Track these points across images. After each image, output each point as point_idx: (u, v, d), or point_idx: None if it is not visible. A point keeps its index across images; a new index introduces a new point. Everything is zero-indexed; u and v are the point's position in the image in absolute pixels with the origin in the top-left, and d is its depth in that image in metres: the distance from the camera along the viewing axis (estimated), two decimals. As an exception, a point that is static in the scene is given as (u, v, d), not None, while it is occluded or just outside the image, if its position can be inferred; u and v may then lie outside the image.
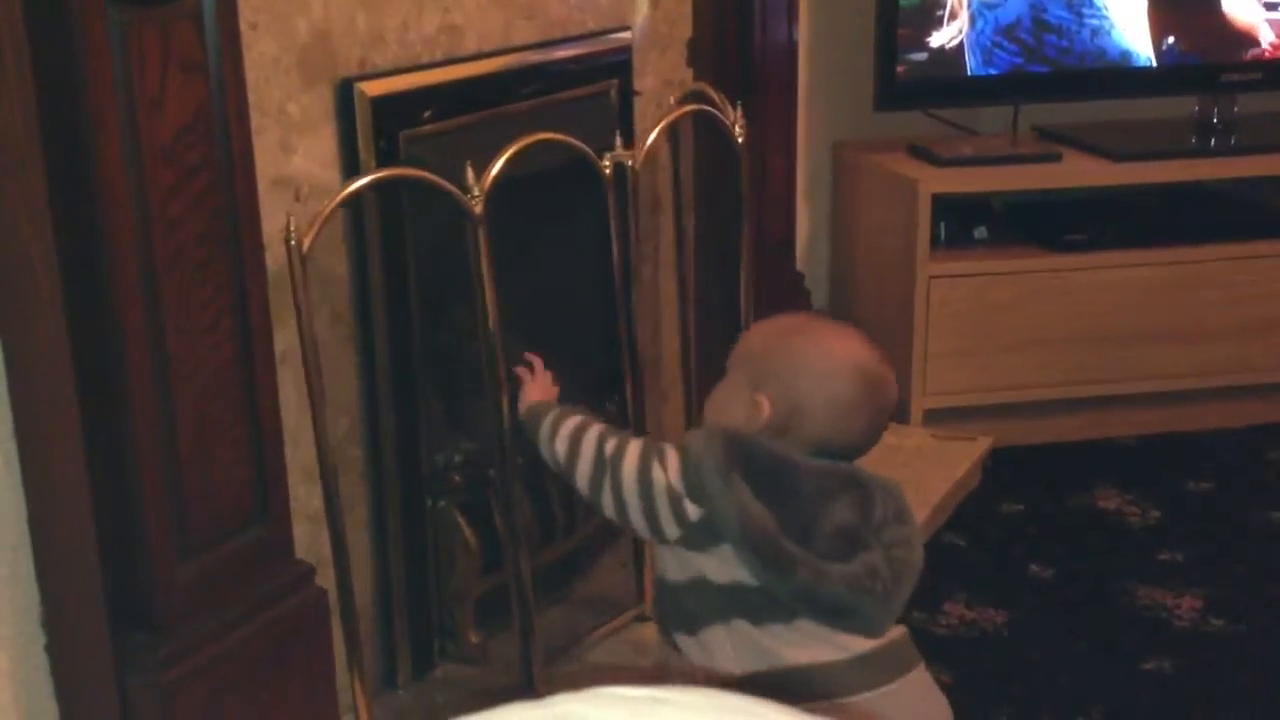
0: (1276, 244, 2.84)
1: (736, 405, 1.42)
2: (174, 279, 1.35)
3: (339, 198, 1.54)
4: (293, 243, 1.46)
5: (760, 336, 1.51)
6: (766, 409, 1.40)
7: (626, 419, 1.95)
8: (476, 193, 1.62)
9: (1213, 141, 2.96)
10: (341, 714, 1.60)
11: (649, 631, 1.95)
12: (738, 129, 2.05)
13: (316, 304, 1.59)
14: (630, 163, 1.87)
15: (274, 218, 1.55)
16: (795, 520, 1.34)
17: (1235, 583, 2.34)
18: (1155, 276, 2.80)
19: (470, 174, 1.62)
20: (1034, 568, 2.38)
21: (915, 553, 1.42)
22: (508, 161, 1.66)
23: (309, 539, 1.64)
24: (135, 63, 1.28)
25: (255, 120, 1.47)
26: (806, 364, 1.42)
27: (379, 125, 1.67)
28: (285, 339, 1.59)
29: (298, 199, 1.60)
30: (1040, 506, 2.60)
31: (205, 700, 1.41)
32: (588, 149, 1.82)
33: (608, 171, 1.85)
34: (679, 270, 2.33)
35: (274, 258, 1.54)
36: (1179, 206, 2.94)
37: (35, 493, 1.39)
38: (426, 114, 1.74)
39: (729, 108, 2.06)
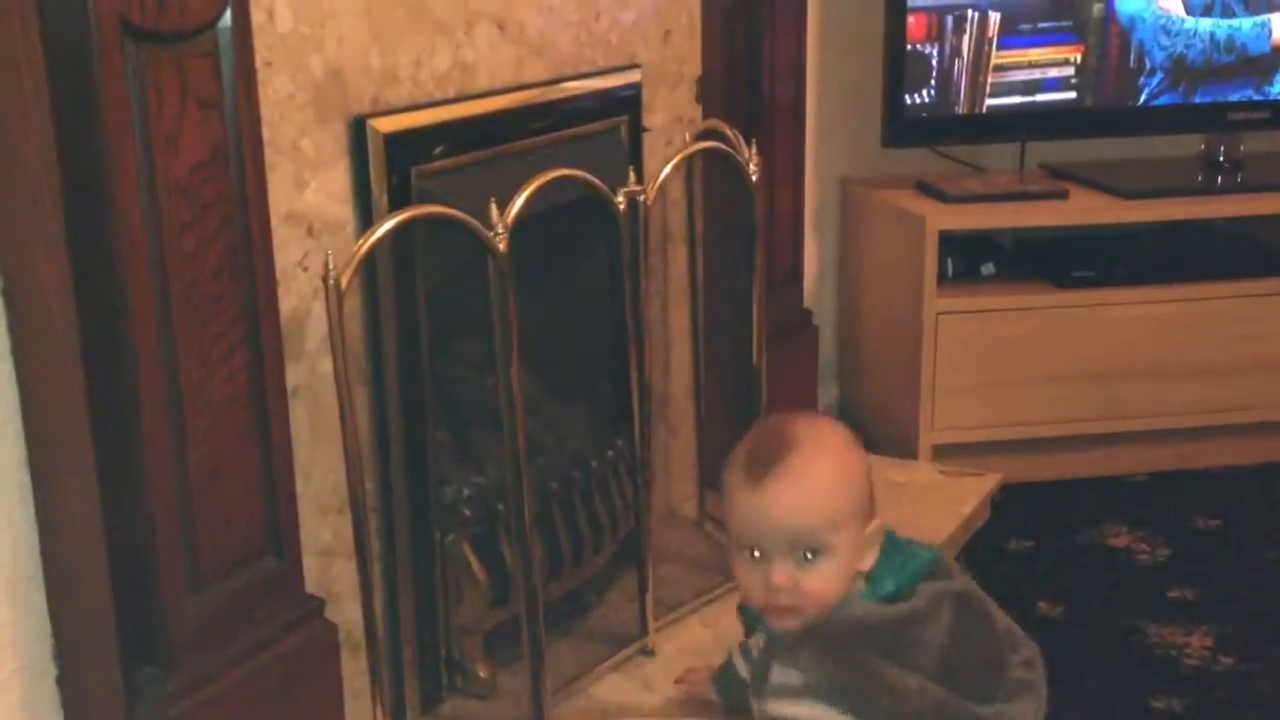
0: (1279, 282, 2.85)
1: (856, 563, 1.28)
2: (188, 312, 1.36)
3: (374, 236, 1.54)
4: (331, 281, 1.46)
5: (840, 476, 1.28)
6: (881, 527, 1.31)
7: (635, 453, 1.96)
8: (500, 230, 1.63)
9: (1219, 180, 2.98)
10: (350, 748, 1.60)
11: (654, 665, 1.95)
12: (752, 166, 2.06)
13: (326, 338, 1.60)
14: (643, 198, 1.88)
15: (286, 253, 1.56)
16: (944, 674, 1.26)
17: (1246, 621, 2.33)
18: (1163, 313, 2.81)
19: (495, 211, 1.63)
20: (1043, 605, 2.37)
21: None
22: (529, 198, 1.67)
23: (319, 573, 1.64)
24: (152, 98, 1.29)
25: (269, 156, 1.48)
26: (853, 471, 1.30)
27: (391, 161, 1.69)
28: (297, 374, 1.59)
29: (310, 234, 1.62)
30: (1049, 543, 2.60)
31: (214, 733, 1.40)
32: (602, 185, 1.83)
33: (621, 207, 1.86)
34: (690, 305, 2.34)
35: (285, 292, 1.55)
36: (1186, 244, 2.95)
37: (48, 525, 1.40)
38: (438, 150, 1.75)
39: (743, 145, 2.07)
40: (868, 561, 1.29)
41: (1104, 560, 2.54)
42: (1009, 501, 2.66)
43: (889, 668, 1.25)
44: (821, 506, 1.26)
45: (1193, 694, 2.13)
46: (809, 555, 1.26)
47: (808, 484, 1.26)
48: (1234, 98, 2.96)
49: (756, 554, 1.29)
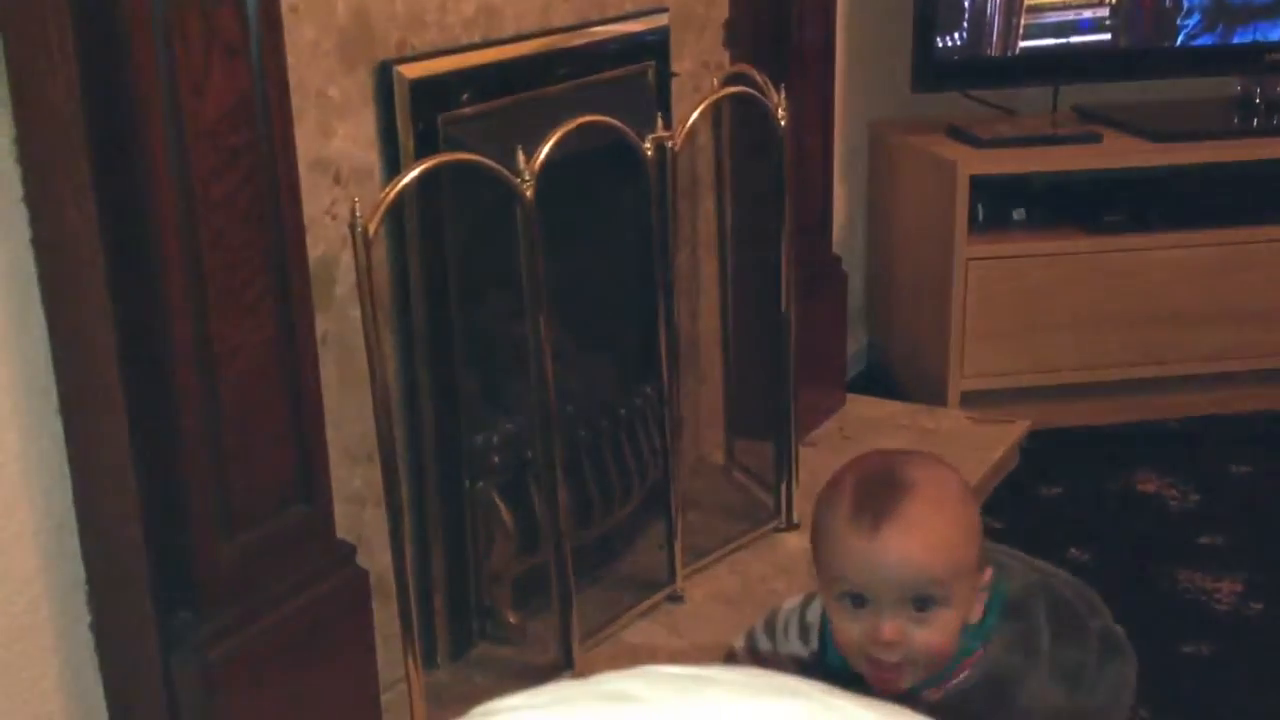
0: (1319, 226, 2.81)
1: (958, 628, 1.15)
2: (217, 260, 1.36)
3: (400, 183, 1.54)
4: (359, 229, 1.46)
5: (958, 524, 1.15)
6: (989, 578, 1.18)
7: (663, 400, 1.96)
8: (527, 176, 1.62)
9: (1255, 122, 2.93)
10: (380, 691, 1.62)
11: (683, 611, 1.96)
12: (780, 112, 2.04)
13: (355, 284, 1.60)
14: (671, 144, 1.87)
15: (314, 200, 1.56)
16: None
17: (1276, 567, 2.32)
18: (1195, 258, 2.78)
19: (521, 158, 1.62)
20: (1073, 550, 2.36)
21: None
22: (556, 145, 1.66)
23: (349, 519, 1.65)
24: (179, 46, 1.29)
25: (295, 103, 1.48)
26: (972, 519, 1.17)
27: (418, 108, 1.68)
28: (326, 321, 1.60)
29: (338, 182, 1.61)
30: (1079, 489, 2.59)
31: (248, 677, 1.42)
32: (629, 131, 1.82)
33: (649, 153, 1.84)
34: (719, 252, 2.33)
35: (313, 240, 1.55)
36: (1220, 187, 2.91)
37: (80, 471, 1.41)
38: (465, 96, 1.75)
39: (772, 90, 2.05)
40: (976, 613, 1.16)
41: (1134, 506, 2.53)
42: (1039, 448, 2.65)
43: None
44: (947, 554, 1.12)
45: (1223, 639, 2.12)
46: (922, 606, 1.13)
47: (932, 530, 1.13)
48: (1274, 37, 2.90)
49: (861, 603, 1.14)
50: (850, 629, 1.15)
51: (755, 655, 1.33)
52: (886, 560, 1.12)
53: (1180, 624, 2.16)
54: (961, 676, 1.17)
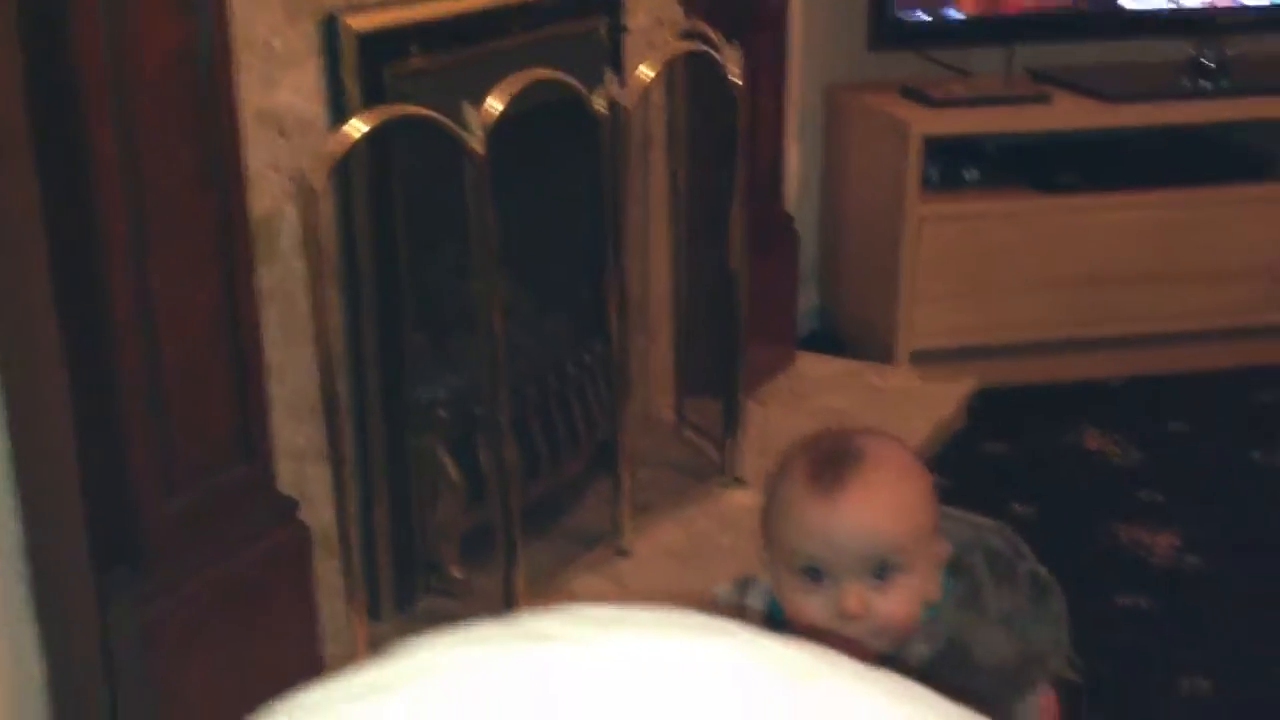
0: (1265, 187, 2.84)
1: (920, 600, 1.12)
2: (158, 211, 1.35)
3: (347, 137, 1.53)
4: (304, 183, 1.45)
5: (914, 490, 1.13)
6: (947, 552, 1.14)
7: (613, 358, 1.96)
8: (477, 131, 1.61)
9: (1205, 84, 2.95)
10: (323, 646, 1.62)
11: (629, 564, 1.97)
12: (734, 69, 2.04)
13: (300, 239, 1.59)
14: (623, 101, 1.86)
15: (258, 153, 1.55)
16: None
17: (1213, 522, 2.37)
18: (1144, 219, 2.80)
19: (471, 112, 1.61)
20: (1017, 506, 2.40)
21: None
22: (506, 100, 1.65)
23: (292, 475, 1.65)
24: (118, -5, 1.27)
25: (239, 55, 1.46)
26: (929, 487, 1.14)
27: (364, 60, 1.66)
28: (270, 276, 1.59)
29: (282, 135, 1.60)
30: (1024, 447, 2.62)
31: (188, 634, 1.42)
32: (581, 86, 1.81)
33: (600, 109, 1.84)
34: (671, 210, 2.33)
35: (257, 193, 1.54)
36: (1170, 149, 2.93)
37: (19, 427, 1.40)
38: (413, 49, 1.73)
39: (726, 47, 2.04)
40: (934, 590, 1.13)
41: (1077, 463, 2.57)
42: (985, 406, 2.68)
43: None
44: (908, 517, 1.10)
45: (1159, 592, 2.17)
46: (882, 574, 1.09)
47: (893, 493, 1.10)
48: (1225, 1, 2.92)
49: (818, 577, 1.11)
50: (808, 605, 1.11)
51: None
52: (846, 524, 1.09)
53: (1119, 577, 2.20)
54: (920, 648, 1.15)
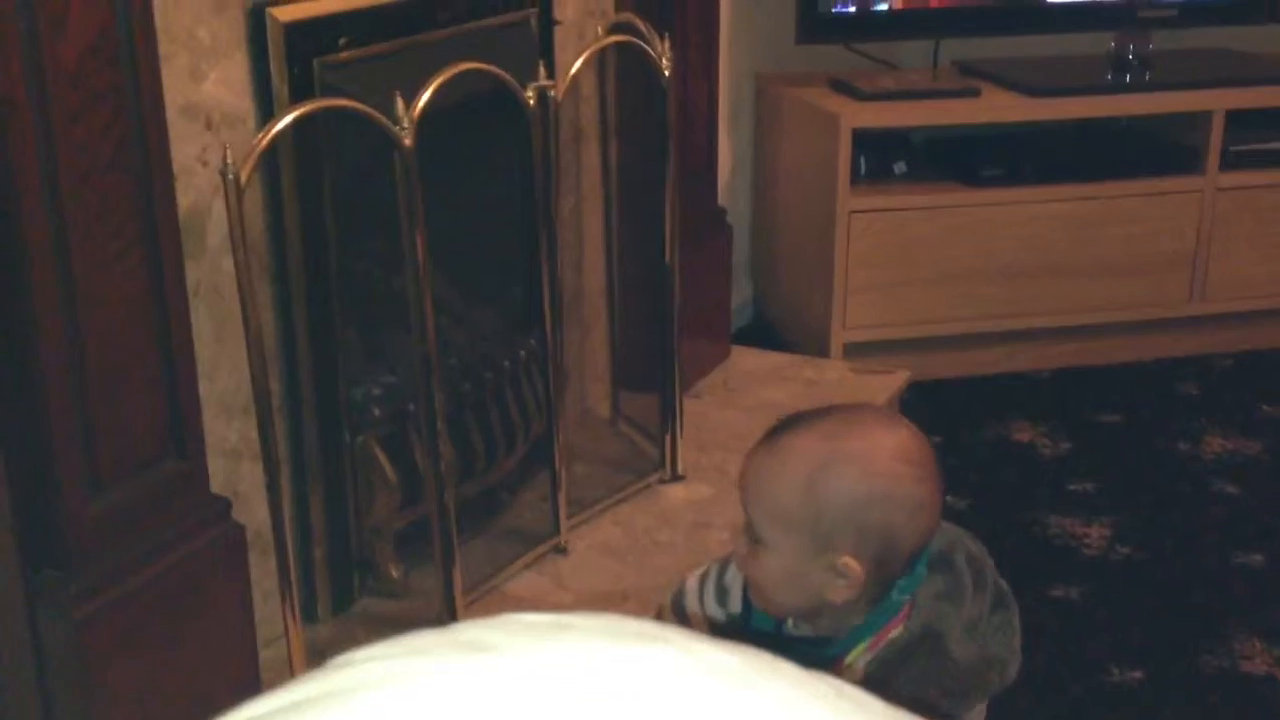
0: (1188, 180, 2.89)
1: (809, 581, 1.12)
2: (80, 204, 1.31)
3: (274, 129, 1.49)
4: (230, 176, 1.42)
5: (798, 484, 1.10)
6: (859, 571, 1.10)
7: (547, 352, 1.95)
8: (406, 124, 1.59)
9: (1128, 78, 3.00)
10: (259, 648, 1.59)
11: (567, 563, 1.96)
12: (665, 61, 2.03)
13: (227, 234, 1.56)
14: (553, 93, 1.85)
15: (184, 146, 1.51)
16: None
17: (1142, 511, 2.40)
18: (1070, 211, 2.84)
19: (400, 105, 1.59)
20: (950, 498, 2.41)
21: None
22: (435, 92, 1.63)
23: (226, 474, 1.62)
24: (35, -20, 1.23)
25: (164, 46, 1.43)
26: (884, 492, 1.10)
27: (292, 52, 1.63)
28: (198, 270, 1.55)
29: (209, 127, 1.56)
30: (956, 439, 2.64)
31: (119, 635, 1.39)
32: (511, 79, 1.79)
33: (531, 102, 1.82)
34: (604, 203, 2.32)
35: (184, 187, 1.50)
36: (1094, 142, 2.98)
37: (-61, 427, 1.35)
38: (342, 41, 1.70)
39: (656, 39, 2.04)
40: (838, 594, 1.12)
41: (1008, 454, 2.59)
42: (917, 399, 2.70)
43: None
44: (771, 501, 1.11)
45: (1091, 582, 2.19)
46: (756, 541, 1.13)
47: (786, 469, 1.10)
48: (1144, -4, 2.97)
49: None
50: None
51: (681, 616, 1.30)
52: (744, 481, 1.15)
53: (1051, 568, 2.23)
54: (894, 633, 1.16)
